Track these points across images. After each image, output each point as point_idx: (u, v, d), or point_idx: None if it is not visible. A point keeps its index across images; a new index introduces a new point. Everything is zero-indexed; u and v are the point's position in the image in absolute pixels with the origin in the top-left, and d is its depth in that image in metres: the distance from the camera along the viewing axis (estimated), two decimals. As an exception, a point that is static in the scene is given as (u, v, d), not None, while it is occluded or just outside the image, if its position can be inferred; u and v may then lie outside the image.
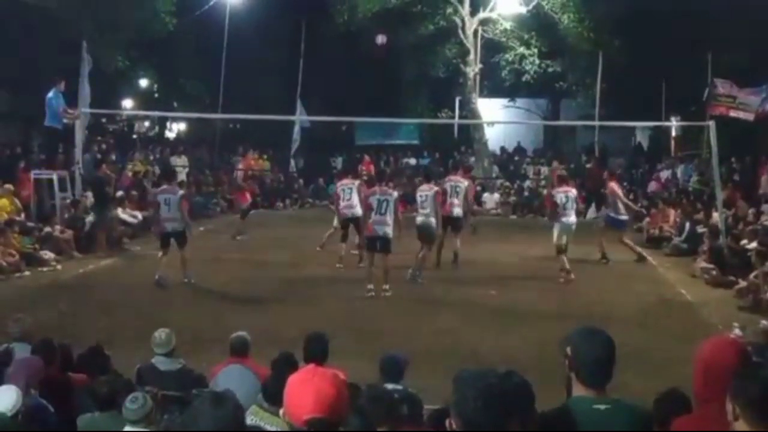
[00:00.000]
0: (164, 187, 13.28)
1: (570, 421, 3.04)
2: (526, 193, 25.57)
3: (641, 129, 31.07)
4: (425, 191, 13.32)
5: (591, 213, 21.94)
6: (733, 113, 20.79)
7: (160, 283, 12.40)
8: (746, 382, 2.73)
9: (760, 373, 2.78)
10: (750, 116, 20.48)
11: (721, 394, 2.79)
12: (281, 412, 3.63)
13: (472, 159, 27.38)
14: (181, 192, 13.06)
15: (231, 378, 5.90)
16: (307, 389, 3.13)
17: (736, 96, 20.88)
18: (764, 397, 2.67)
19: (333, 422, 3.12)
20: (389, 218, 11.68)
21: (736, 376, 2.79)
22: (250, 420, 4.37)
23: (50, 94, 16.24)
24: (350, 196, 14.19)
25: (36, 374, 5.36)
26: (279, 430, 4.22)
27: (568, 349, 3.21)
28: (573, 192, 13.96)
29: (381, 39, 26.27)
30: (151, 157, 25.45)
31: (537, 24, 26.49)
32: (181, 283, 12.59)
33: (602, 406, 3.09)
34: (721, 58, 22.03)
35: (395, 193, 12.19)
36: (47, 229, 15.08)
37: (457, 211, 14.08)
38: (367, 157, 27.38)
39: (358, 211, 13.74)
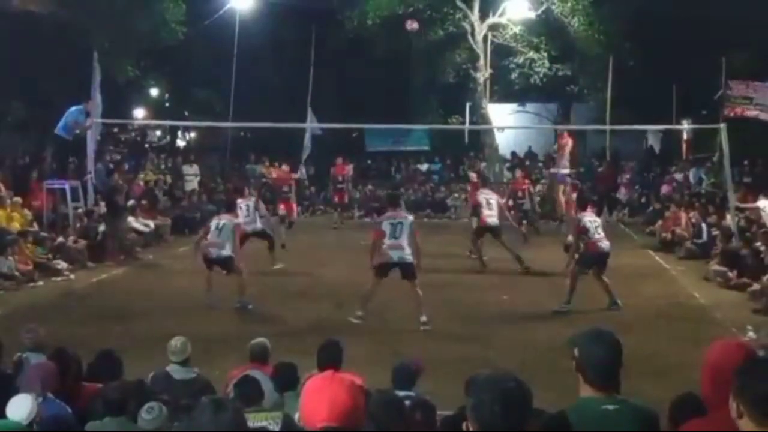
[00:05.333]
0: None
1: (568, 423, 3.05)
2: (537, 198, 25.49)
3: (653, 132, 30.94)
4: (491, 195, 14.73)
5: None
6: (749, 114, 20.74)
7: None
8: (752, 379, 2.68)
9: (765, 370, 2.75)
10: (767, 117, 20.44)
11: (729, 397, 2.74)
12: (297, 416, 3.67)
13: (483, 164, 27.36)
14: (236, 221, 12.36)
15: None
16: (322, 397, 3.14)
17: (752, 97, 20.83)
18: None
19: (347, 430, 3.13)
20: (405, 242, 10.72)
21: (741, 372, 2.74)
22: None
23: (74, 107, 16.37)
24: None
25: (51, 378, 5.35)
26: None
27: (575, 351, 3.22)
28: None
29: (411, 24, 25.16)
30: (163, 166, 25.56)
31: (547, 28, 26.43)
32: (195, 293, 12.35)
33: (611, 407, 3.10)
34: (733, 61, 21.96)
35: (410, 217, 11.30)
36: (60, 238, 15.18)
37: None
38: (339, 160, 24.04)
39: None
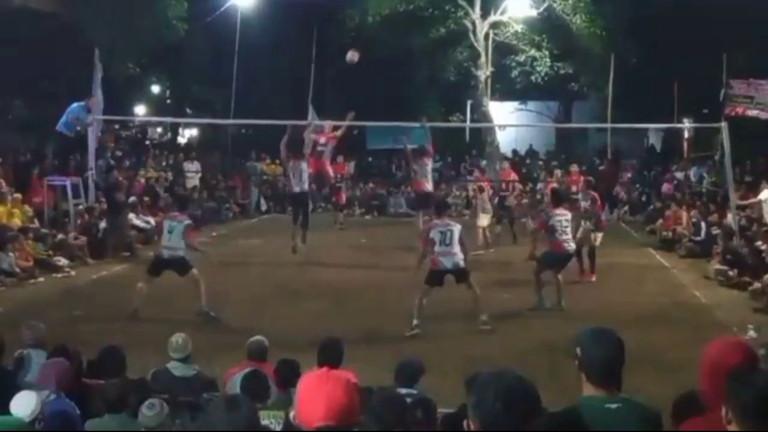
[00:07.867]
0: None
1: (579, 420, 3.05)
2: (538, 196, 25.48)
3: (654, 131, 30.93)
4: (565, 216, 12.05)
5: (604, 215, 21.87)
6: (750, 113, 20.71)
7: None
8: (740, 386, 2.72)
9: (753, 378, 2.77)
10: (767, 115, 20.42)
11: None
12: (292, 414, 3.65)
13: (484, 162, 27.34)
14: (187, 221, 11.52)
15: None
16: (319, 396, 3.13)
17: (753, 96, 20.79)
18: (757, 402, 2.66)
19: (344, 429, 3.12)
20: (456, 248, 10.57)
21: (730, 379, 2.78)
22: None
23: (76, 104, 16.40)
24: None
25: (67, 376, 5.35)
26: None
27: (578, 350, 3.22)
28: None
29: (351, 55, 21.23)
30: (164, 163, 25.55)
31: (548, 26, 26.42)
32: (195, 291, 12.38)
33: (613, 405, 3.10)
34: (735, 58, 21.92)
35: (458, 225, 11.09)
36: (61, 235, 15.18)
37: None
38: (339, 158, 23.67)
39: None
